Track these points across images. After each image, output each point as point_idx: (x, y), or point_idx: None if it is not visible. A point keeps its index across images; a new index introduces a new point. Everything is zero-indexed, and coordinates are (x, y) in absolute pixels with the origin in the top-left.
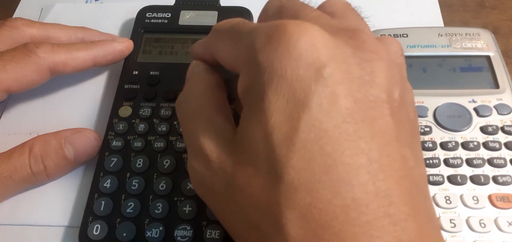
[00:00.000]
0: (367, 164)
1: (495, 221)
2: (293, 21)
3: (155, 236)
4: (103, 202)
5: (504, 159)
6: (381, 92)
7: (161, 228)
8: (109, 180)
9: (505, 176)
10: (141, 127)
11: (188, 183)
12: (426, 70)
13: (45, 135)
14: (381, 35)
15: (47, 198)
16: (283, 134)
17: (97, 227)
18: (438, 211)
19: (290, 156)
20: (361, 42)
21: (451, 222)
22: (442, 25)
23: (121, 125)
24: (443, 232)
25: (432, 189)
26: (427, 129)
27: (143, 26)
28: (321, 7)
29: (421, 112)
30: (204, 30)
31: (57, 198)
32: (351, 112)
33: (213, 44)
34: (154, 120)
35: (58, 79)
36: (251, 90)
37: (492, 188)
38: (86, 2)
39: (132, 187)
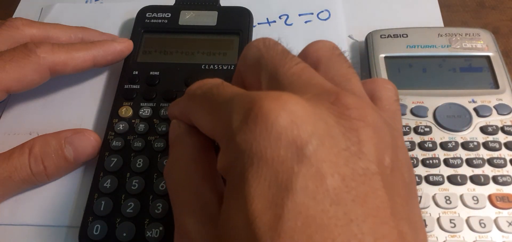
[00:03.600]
0: None
1: (495, 221)
2: (269, 95)
3: (155, 236)
4: (103, 202)
5: (504, 159)
6: (370, 163)
7: (161, 228)
8: (109, 180)
9: (505, 176)
10: (141, 127)
11: None
12: (426, 70)
13: (45, 135)
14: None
15: (47, 198)
16: (267, 222)
17: (97, 227)
18: (438, 211)
19: None
20: (344, 108)
21: (451, 222)
22: (442, 25)
23: (121, 125)
24: (443, 232)
25: (432, 189)
26: (427, 129)
27: (143, 26)
28: (306, 52)
29: (421, 112)
30: (204, 30)
31: (57, 198)
32: (340, 192)
33: (188, 109)
34: (154, 120)
35: (58, 79)
36: (231, 171)
37: (492, 188)
38: (86, 2)
39: (132, 187)
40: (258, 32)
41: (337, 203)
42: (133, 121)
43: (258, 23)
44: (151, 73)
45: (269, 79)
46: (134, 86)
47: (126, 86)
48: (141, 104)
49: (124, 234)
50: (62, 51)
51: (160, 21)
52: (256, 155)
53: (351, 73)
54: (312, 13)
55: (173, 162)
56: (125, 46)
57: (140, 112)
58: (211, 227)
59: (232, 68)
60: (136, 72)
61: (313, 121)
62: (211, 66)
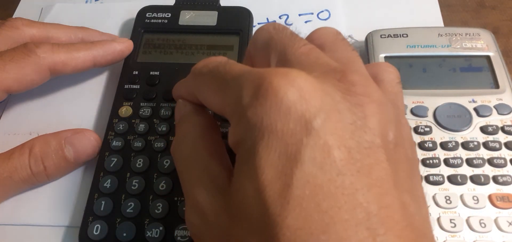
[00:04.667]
0: (366, 218)
1: (495, 221)
2: (278, 71)
3: (155, 236)
4: (103, 202)
5: (504, 159)
6: (375, 137)
7: (161, 228)
8: (109, 180)
9: (505, 176)
10: (141, 127)
11: None
12: (426, 70)
13: (45, 135)
14: (376, 62)
15: (47, 198)
16: (276, 191)
17: (97, 227)
18: (438, 211)
19: (284, 215)
20: (350, 85)
21: (451, 222)
22: (442, 25)
23: (121, 125)
24: (443, 232)
25: (432, 189)
26: (427, 129)
27: (143, 26)
28: (310, 38)
29: (421, 112)
30: (204, 30)
31: (57, 198)
32: (346, 163)
33: (195, 88)
34: (154, 120)
35: (58, 79)
36: (242, 144)
37: (492, 188)
38: (86, 2)
39: (132, 187)
40: None
41: (344, 173)
42: (133, 121)
43: (258, 23)
44: (151, 73)
45: (278, 59)
46: (134, 86)
47: (126, 86)
48: (141, 104)
49: (124, 234)
50: (62, 51)
51: (160, 21)
52: (267, 129)
53: (355, 56)
54: (312, 13)
55: (181, 139)
56: (125, 46)
57: (140, 112)
58: (221, 198)
59: None
60: (136, 72)
61: (320, 96)
62: None
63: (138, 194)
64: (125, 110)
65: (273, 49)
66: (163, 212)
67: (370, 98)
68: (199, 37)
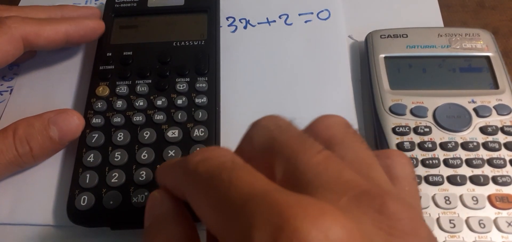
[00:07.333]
0: None
1: (495, 221)
2: (306, 212)
3: (141, 201)
4: (88, 176)
5: (504, 160)
6: None
7: (146, 193)
8: (92, 155)
9: (504, 176)
10: (119, 103)
11: (169, 151)
12: (426, 70)
13: (27, 118)
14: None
15: (47, 197)
16: None
17: (84, 198)
18: (437, 211)
19: None
20: (394, 220)
21: (450, 222)
22: (442, 25)
23: (99, 104)
24: (442, 232)
25: (432, 190)
26: (427, 129)
27: (113, 10)
28: (314, 128)
29: (421, 112)
30: (172, 10)
31: (57, 198)
32: None
33: (187, 189)
34: (131, 96)
35: (59, 80)
36: None
37: (491, 188)
38: (86, 2)
39: (115, 159)
40: (258, 32)
41: None
42: (110, 99)
43: (258, 23)
44: (124, 53)
45: (286, 169)
46: (109, 67)
47: (101, 67)
48: (117, 83)
49: (111, 202)
50: (34, 23)
51: (129, 4)
52: None
53: (371, 157)
54: (312, 13)
55: None
56: (97, 24)
57: (117, 90)
58: None
59: (202, 43)
60: (110, 54)
61: None
62: (182, 43)
63: (122, 165)
64: (102, 90)
65: (278, 154)
66: (147, 179)
67: (420, 238)
68: (168, 18)
